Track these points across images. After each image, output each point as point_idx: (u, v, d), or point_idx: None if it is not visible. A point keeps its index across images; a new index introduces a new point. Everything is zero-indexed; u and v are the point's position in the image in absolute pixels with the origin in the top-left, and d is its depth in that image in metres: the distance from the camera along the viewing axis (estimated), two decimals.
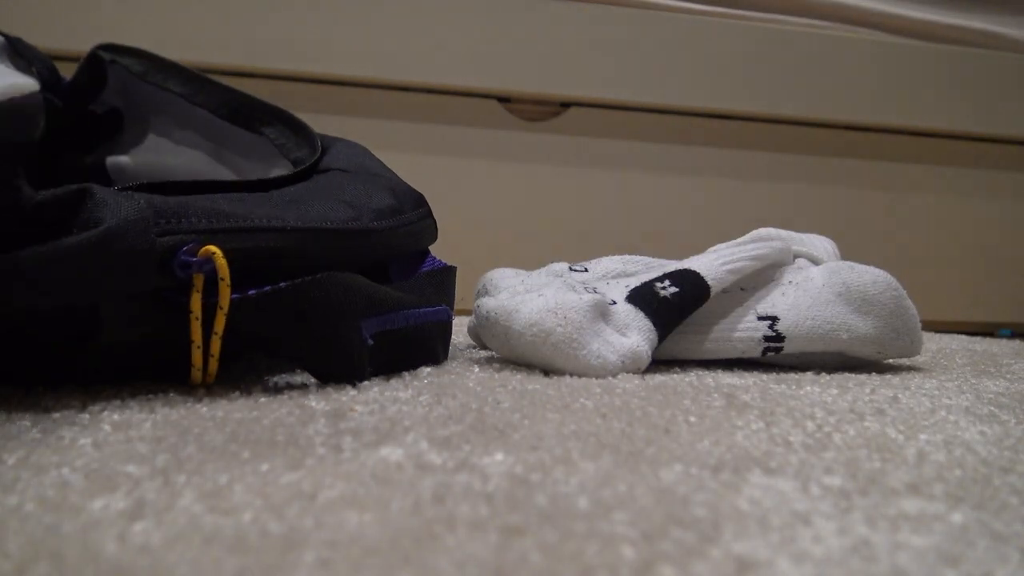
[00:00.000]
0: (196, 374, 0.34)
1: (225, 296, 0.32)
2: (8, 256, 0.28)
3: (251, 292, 0.33)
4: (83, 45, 0.61)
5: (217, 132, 0.54)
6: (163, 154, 0.57)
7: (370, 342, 0.37)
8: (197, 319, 0.32)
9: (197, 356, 0.33)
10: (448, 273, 0.45)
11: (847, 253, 0.54)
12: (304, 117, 0.54)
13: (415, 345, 0.42)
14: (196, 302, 0.32)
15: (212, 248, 0.31)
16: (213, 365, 0.33)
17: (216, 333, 0.32)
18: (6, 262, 0.28)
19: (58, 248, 0.28)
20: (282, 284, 0.33)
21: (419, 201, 0.45)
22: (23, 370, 0.34)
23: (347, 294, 0.36)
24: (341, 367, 0.37)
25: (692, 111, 1.01)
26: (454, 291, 0.46)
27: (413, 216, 0.43)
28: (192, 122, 0.56)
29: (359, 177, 0.44)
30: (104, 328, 0.31)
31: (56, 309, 0.30)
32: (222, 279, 0.31)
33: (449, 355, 0.47)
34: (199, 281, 0.31)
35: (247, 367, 0.41)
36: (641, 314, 0.43)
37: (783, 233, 0.53)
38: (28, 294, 0.28)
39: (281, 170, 0.50)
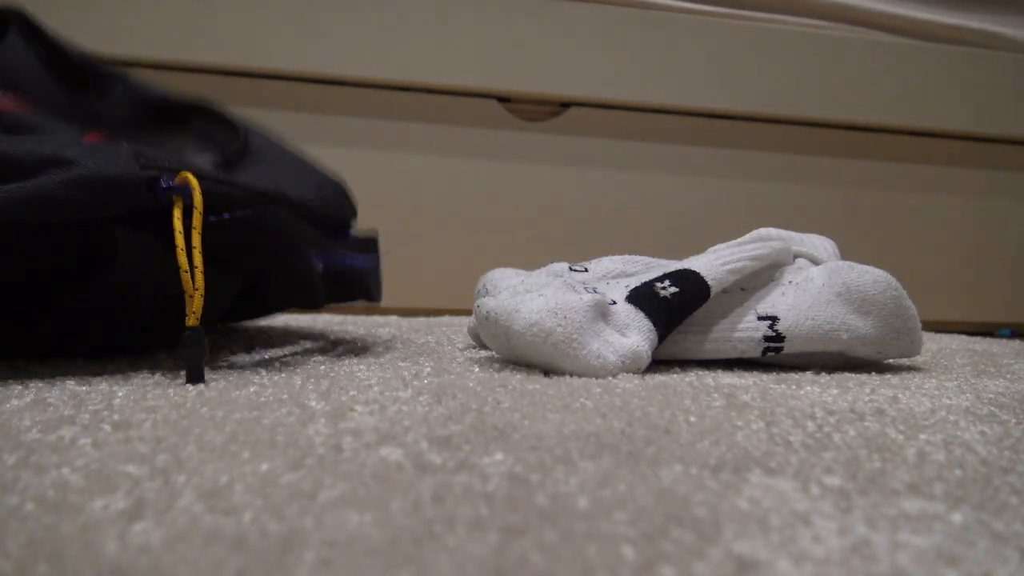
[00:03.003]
0: (189, 301, 0.38)
1: (197, 218, 0.39)
2: (35, 181, 0.36)
3: (212, 218, 0.40)
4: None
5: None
6: None
7: (320, 266, 0.45)
8: (180, 233, 0.38)
9: (187, 282, 0.38)
10: (370, 240, 0.54)
11: (847, 253, 0.54)
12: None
13: (353, 282, 0.50)
14: (177, 218, 0.39)
15: (186, 174, 0.39)
16: (199, 278, 0.38)
17: (195, 247, 0.39)
18: (32, 186, 0.35)
19: (69, 176, 0.36)
20: (238, 212, 0.40)
21: (338, 183, 0.52)
22: (32, 305, 0.40)
23: (296, 226, 0.44)
24: (303, 289, 0.44)
25: (692, 111, 1.01)
26: (378, 249, 0.54)
27: (332, 194, 0.50)
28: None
29: (284, 159, 0.51)
30: (119, 256, 0.39)
31: (78, 234, 0.38)
32: (195, 208, 0.38)
33: (448, 355, 0.47)
34: (179, 202, 0.39)
35: (246, 365, 0.41)
36: (641, 314, 0.43)
37: (783, 233, 0.53)
38: (48, 211, 0.36)
39: (210, 155, 0.52)
